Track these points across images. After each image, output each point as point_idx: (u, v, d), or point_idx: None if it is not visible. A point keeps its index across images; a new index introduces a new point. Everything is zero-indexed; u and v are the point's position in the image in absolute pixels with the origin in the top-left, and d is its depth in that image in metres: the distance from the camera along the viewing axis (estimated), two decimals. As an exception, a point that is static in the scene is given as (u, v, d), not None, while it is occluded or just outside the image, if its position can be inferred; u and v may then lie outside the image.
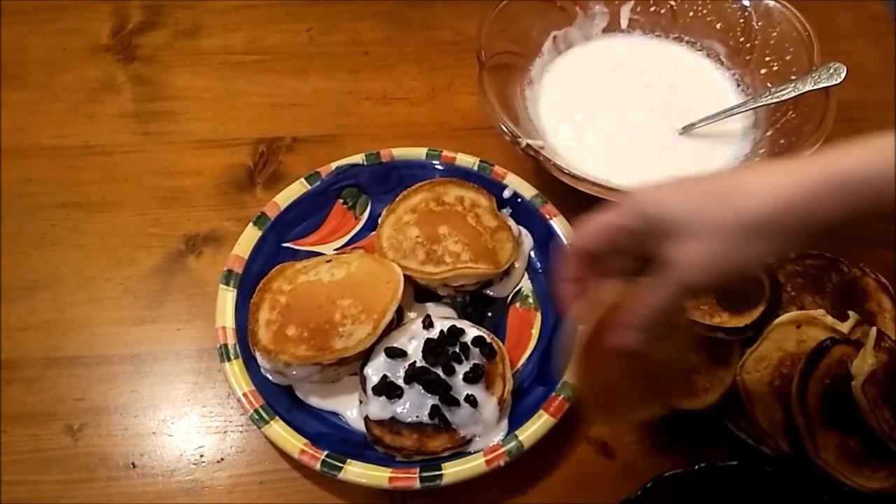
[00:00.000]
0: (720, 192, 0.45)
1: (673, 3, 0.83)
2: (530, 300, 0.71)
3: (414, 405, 0.60)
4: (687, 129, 0.76)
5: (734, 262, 0.45)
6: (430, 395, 0.60)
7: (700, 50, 0.83)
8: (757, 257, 0.45)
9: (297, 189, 0.74)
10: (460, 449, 0.60)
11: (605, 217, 0.49)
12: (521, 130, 0.70)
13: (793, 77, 0.74)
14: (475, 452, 0.60)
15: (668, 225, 0.45)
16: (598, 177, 0.68)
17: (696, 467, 0.57)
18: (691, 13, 0.83)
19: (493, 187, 0.74)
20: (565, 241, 0.70)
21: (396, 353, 0.62)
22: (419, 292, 0.70)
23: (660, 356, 0.51)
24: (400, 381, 0.61)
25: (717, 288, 0.56)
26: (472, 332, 0.64)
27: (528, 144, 0.67)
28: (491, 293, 0.72)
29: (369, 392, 0.61)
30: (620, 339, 0.49)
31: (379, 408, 0.61)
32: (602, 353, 0.50)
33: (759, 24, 0.78)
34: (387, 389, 0.60)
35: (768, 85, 0.77)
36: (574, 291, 0.52)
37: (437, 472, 0.59)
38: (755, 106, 0.75)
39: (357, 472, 0.59)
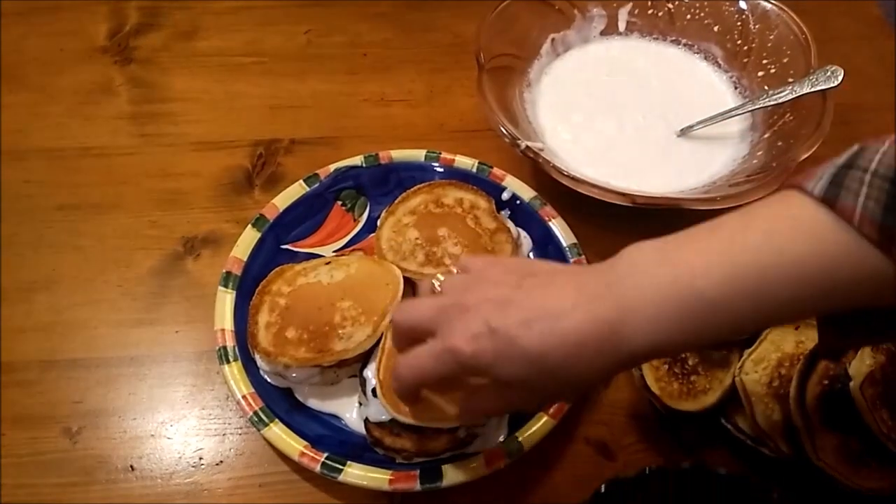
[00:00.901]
0: (554, 370, 0.42)
1: (670, 5, 0.84)
2: (529, 302, 0.71)
3: (414, 407, 0.60)
4: (685, 132, 0.76)
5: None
6: (429, 396, 0.60)
7: (697, 53, 0.84)
8: None
9: (295, 191, 0.74)
10: (460, 450, 0.60)
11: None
12: (519, 132, 0.70)
13: (790, 80, 0.74)
14: (475, 454, 0.60)
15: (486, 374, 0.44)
16: (597, 179, 0.68)
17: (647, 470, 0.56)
18: (689, 16, 0.84)
19: (491, 189, 0.74)
20: (563, 243, 0.71)
21: (396, 355, 0.62)
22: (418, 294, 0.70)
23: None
24: (400, 383, 0.61)
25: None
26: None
27: (527, 146, 0.68)
28: (490, 295, 0.72)
29: (369, 394, 0.61)
30: (394, 387, 0.50)
31: (378, 409, 0.60)
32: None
33: (756, 26, 0.79)
34: (387, 391, 0.60)
35: (765, 87, 0.77)
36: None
37: (438, 474, 0.59)
38: (753, 108, 0.75)
39: (357, 474, 0.59)
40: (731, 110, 0.75)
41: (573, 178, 0.66)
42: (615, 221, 0.76)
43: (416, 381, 0.48)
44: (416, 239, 0.69)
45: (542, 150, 0.69)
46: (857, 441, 0.58)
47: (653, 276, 0.41)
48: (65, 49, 0.91)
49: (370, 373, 0.62)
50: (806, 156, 0.66)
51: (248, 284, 0.68)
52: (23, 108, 0.85)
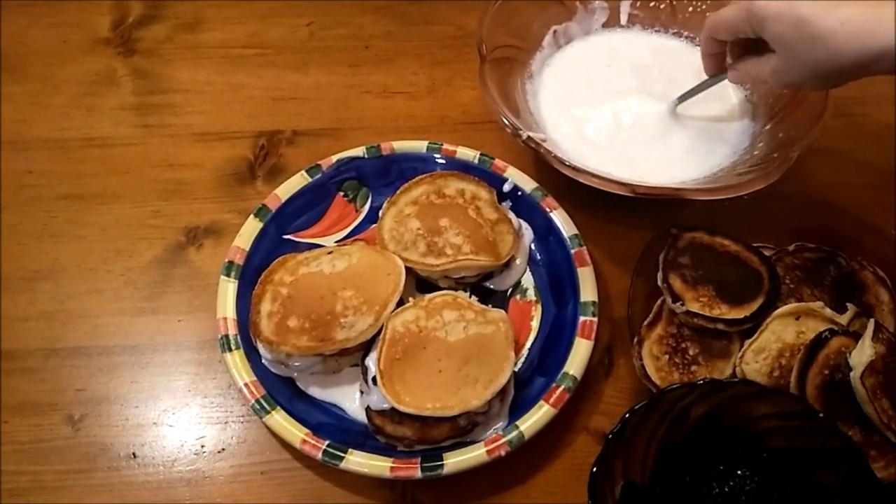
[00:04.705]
0: (814, 35, 0.53)
1: (673, -2, 0.84)
2: (530, 292, 0.72)
3: (415, 395, 0.60)
4: (683, 99, 0.76)
5: (800, 83, 0.60)
6: (431, 385, 0.60)
7: (699, 45, 0.83)
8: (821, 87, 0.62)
9: (298, 181, 0.74)
10: (461, 439, 0.61)
11: (721, 14, 0.62)
12: (521, 123, 0.70)
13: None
14: (476, 442, 0.60)
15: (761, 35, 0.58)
16: (598, 169, 0.68)
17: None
18: (690, 8, 0.84)
19: (493, 180, 0.74)
20: (564, 234, 0.71)
21: (397, 344, 0.62)
22: (420, 284, 0.71)
23: None
24: (401, 372, 0.61)
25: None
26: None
27: (528, 137, 0.68)
28: (491, 286, 0.72)
29: (370, 382, 0.61)
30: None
31: (380, 398, 0.61)
32: None
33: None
34: (388, 379, 0.60)
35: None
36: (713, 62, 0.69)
37: (439, 462, 0.59)
38: None
39: (358, 461, 0.59)
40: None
41: (574, 168, 0.66)
42: (616, 213, 0.76)
43: (712, 23, 0.64)
44: (418, 229, 0.69)
45: (543, 140, 0.69)
46: (857, 430, 0.58)
47: None
48: (68, 40, 0.91)
49: (371, 362, 0.62)
50: (806, 147, 0.66)
51: (250, 274, 0.68)
52: (26, 99, 0.85)
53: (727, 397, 0.54)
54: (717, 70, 0.70)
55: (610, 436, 0.52)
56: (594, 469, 0.50)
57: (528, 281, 0.72)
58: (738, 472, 0.54)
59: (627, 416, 0.52)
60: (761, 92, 0.78)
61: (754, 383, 0.58)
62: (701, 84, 0.73)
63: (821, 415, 0.54)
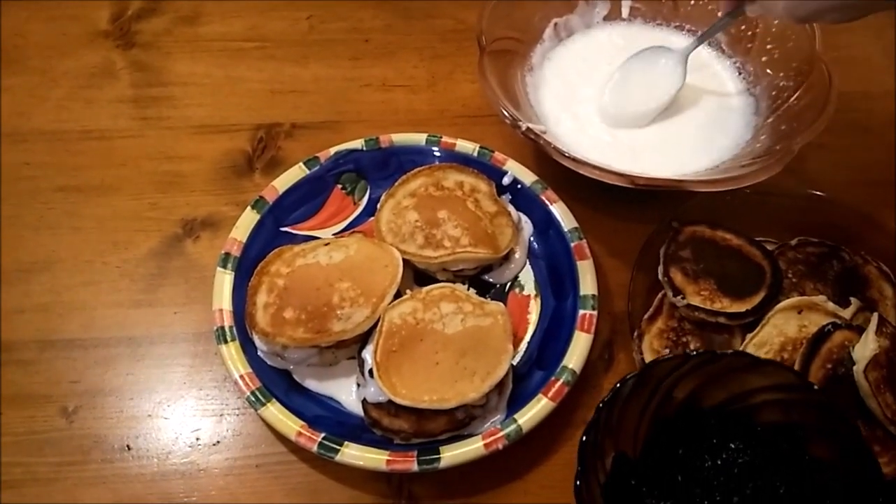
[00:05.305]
0: None
1: (674, -9, 0.83)
2: (530, 286, 0.71)
3: (412, 388, 0.60)
4: (698, 43, 0.75)
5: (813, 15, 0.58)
6: (428, 377, 0.59)
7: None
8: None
9: (295, 173, 0.73)
10: (458, 432, 0.60)
11: None
12: (521, 115, 0.69)
13: (794, 64, 0.74)
14: (473, 436, 0.60)
15: None
16: (600, 162, 0.67)
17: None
18: (692, 2, 0.83)
19: (493, 173, 0.74)
20: (564, 227, 0.70)
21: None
22: (418, 276, 0.70)
23: None
24: (398, 364, 0.60)
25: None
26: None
27: (528, 128, 0.67)
28: (490, 279, 0.71)
29: (367, 375, 0.61)
30: None
31: (376, 390, 0.60)
32: None
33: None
34: (385, 372, 0.60)
35: (768, 72, 0.77)
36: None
37: (435, 456, 0.59)
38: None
39: (354, 454, 0.58)
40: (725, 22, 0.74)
41: (574, 160, 0.65)
42: (617, 207, 0.76)
43: None
44: (416, 221, 0.69)
45: (543, 132, 0.69)
46: (860, 425, 0.57)
47: None
48: (67, 33, 0.91)
49: (368, 354, 0.62)
50: (809, 140, 0.66)
51: (247, 266, 0.67)
52: (24, 91, 0.85)
53: (720, 369, 0.53)
54: (732, 8, 0.69)
55: (601, 405, 0.51)
56: (584, 438, 0.50)
57: (527, 274, 0.72)
58: (731, 446, 0.53)
59: (618, 385, 0.52)
60: (763, 85, 0.77)
61: (747, 354, 0.57)
62: (716, 24, 0.73)
63: (815, 387, 0.53)
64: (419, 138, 0.76)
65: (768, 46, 0.78)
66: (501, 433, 0.59)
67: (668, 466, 0.53)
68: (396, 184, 0.72)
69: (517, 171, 0.74)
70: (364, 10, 0.94)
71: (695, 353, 0.54)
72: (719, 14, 0.71)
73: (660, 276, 0.67)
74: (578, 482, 0.49)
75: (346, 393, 0.64)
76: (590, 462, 0.50)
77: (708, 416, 0.55)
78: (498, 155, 0.75)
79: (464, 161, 0.74)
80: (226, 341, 0.64)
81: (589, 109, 0.78)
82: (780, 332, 0.62)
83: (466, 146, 0.75)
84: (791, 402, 0.53)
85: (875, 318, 0.60)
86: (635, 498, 0.52)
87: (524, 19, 0.80)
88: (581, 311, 0.66)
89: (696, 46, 0.75)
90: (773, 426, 0.54)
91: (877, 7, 0.54)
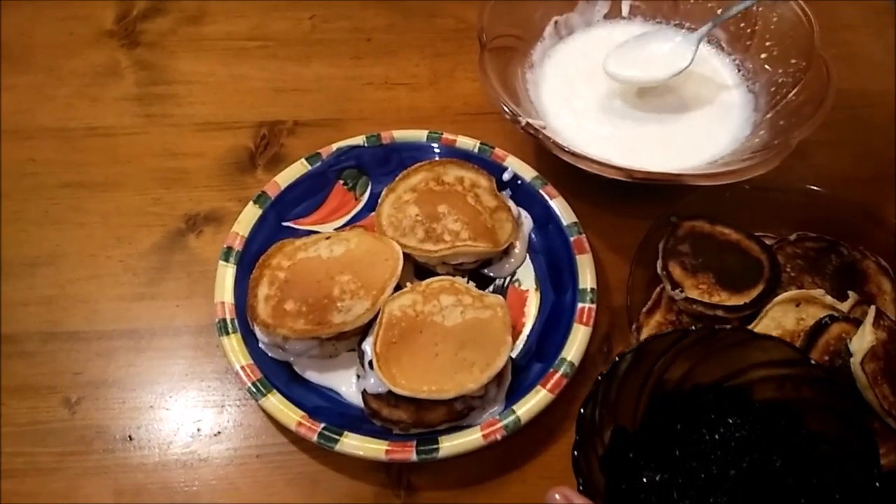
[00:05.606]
0: None
1: (674, -11, 0.84)
2: (529, 280, 0.71)
3: (411, 379, 0.60)
4: (714, 24, 0.76)
5: None
6: (427, 368, 0.60)
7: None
8: None
9: (297, 169, 0.74)
10: (457, 423, 0.60)
11: None
12: (521, 111, 0.70)
13: (793, 61, 0.74)
14: (472, 426, 0.60)
15: None
16: (597, 156, 0.68)
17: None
18: (692, 0, 0.84)
19: (493, 169, 0.74)
20: (564, 222, 0.71)
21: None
22: (418, 270, 0.70)
23: None
24: (397, 355, 0.61)
25: None
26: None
27: (528, 123, 0.67)
28: (490, 273, 0.72)
29: (367, 366, 0.61)
30: None
31: (376, 382, 0.60)
32: None
33: (760, 9, 0.78)
34: (384, 363, 0.60)
35: (767, 68, 0.77)
36: None
37: (434, 446, 0.59)
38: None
39: (354, 444, 0.59)
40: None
41: (573, 154, 0.66)
42: (616, 202, 0.76)
43: None
44: (417, 215, 0.69)
45: (543, 127, 0.69)
46: (857, 416, 0.58)
47: None
48: (73, 33, 0.92)
49: (368, 345, 0.62)
50: (807, 134, 0.66)
51: (248, 260, 0.68)
52: (31, 90, 0.86)
53: (718, 345, 0.54)
54: None
55: (599, 377, 0.51)
56: (582, 410, 0.50)
57: (527, 269, 0.72)
58: (729, 421, 0.53)
59: (617, 359, 0.52)
60: (762, 81, 0.77)
61: (746, 330, 0.57)
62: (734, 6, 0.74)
63: (812, 362, 0.53)
64: (420, 135, 0.77)
65: (767, 43, 0.78)
66: (500, 424, 0.60)
67: (665, 440, 0.53)
68: (397, 179, 0.72)
69: (517, 167, 0.75)
70: (366, 9, 0.95)
71: (693, 328, 0.54)
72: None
73: (658, 270, 0.67)
74: (576, 453, 0.49)
75: (347, 384, 0.65)
76: (588, 435, 0.50)
77: (706, 391, 0.55)
78: (498, 151, 0.76)
79: (465, 157, 0.75)
80: (227, 333, 0.64)
81: (588, 105, 0.79)
82: (777, 324, 0.62)
83: (467, 142, 0.76)
84: (789, 378, 0.53)
85: (872, 310, 0.60)
86: (633, 470, 0.52)
87: (525, 17, 0.80)
88: (580, 305, 0.66)
89: (712, 28, 0.76)
90: (771, 401, 0.54)
91: None
